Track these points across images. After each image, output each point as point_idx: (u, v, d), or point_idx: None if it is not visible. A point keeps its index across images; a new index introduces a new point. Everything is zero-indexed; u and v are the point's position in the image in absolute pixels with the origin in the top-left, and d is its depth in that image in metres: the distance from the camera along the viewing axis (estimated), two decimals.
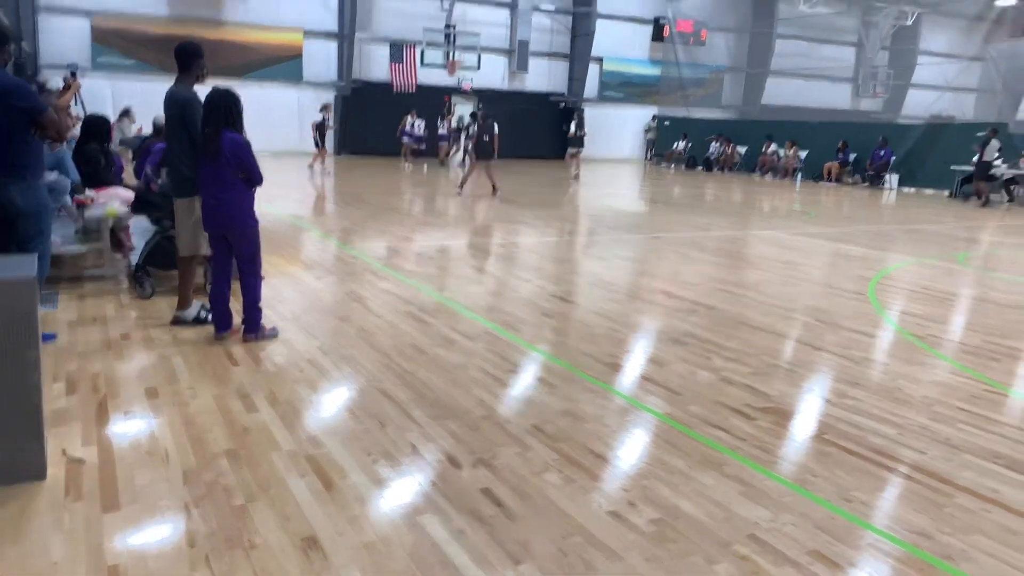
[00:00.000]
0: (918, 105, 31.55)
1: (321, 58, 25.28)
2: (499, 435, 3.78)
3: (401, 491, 3.22)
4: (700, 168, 27.05)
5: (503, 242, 10.10)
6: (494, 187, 15.37)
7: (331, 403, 4.18)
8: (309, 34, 24.92)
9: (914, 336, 6.05)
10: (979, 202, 17.79)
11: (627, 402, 4.35)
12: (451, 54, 25.14)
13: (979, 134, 18.14)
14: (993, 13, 21.74)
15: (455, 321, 5.87)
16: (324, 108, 19.81)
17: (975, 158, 17.93)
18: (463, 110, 26.56)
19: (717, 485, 3.34)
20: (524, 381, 4.66)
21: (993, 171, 18.12)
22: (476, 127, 15.84)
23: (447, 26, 25.03)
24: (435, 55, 24.89)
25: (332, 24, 25.21)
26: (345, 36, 24.98)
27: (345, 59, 25.12)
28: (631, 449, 3.74)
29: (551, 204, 14.82)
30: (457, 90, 27.36)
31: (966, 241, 11.98)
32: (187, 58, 5.14)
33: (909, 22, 30.90)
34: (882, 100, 32.39)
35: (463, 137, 23.58)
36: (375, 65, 26.26)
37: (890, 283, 8.21)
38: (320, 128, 19.36)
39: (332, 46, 25.40)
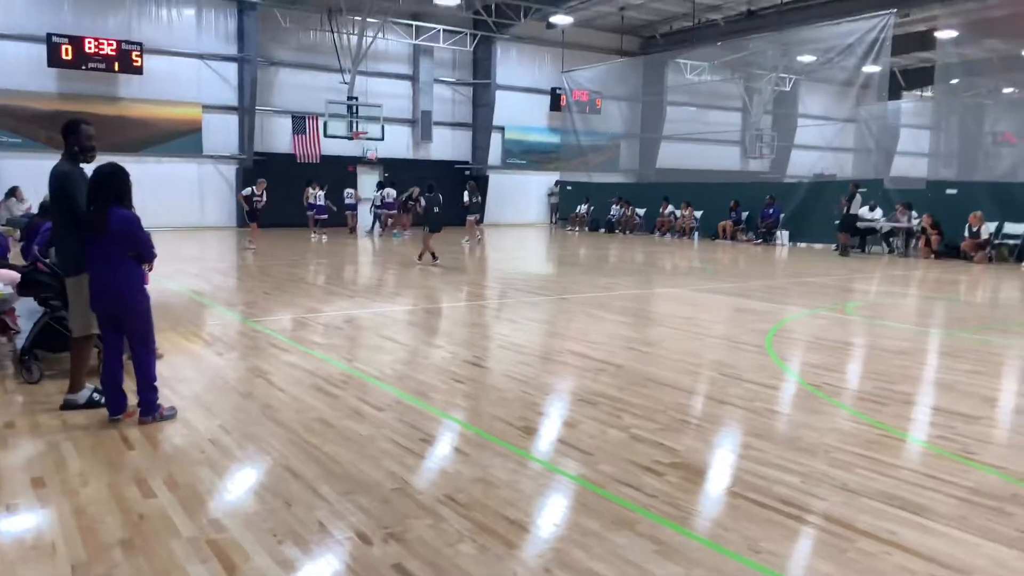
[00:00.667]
0: (802, 164, 33.48)
1: (221, 131, 24.98)
2: (411, 507, 3.69)
3: (309, 572, 3.08)
4: (602, 230, 27.80)
5: (413, 308, 10.05)
6: (433, 255, 15.12)
7: (234, 484, 4.00)
8: (208, 108, 24.63)
9: (811, 385, 6.29)
10: (837, 252, 19.13)
11: (540, 465, 4.33)
12: (354, 125, 25.27)
13: (855, 191, 19.37)
14: (860, 78, 23.47)
15: (364, 392, 5.76)
16: (257, 184, 19.06)
17: (842, 211, 19.23)
18: (369, 180, 26.65)
19: (631, 544, 3.34)
20: (436, 450, 4.59)
21: (870, 224, 19.34)
22: (425, 199, 15.66)
23: (349, 98, 25.22)
24: (338, 126, 24.96)
25: (232, 98, 25.02)
26: (246, 109, 24.80)
27: (246, 132, 24.89)
28: (545, 513, 3.71)
29: (460, 269, 14.89)
30: (362, 160, 27.45)
31: (853, 292, 12.64)
32: (64, 134, 5.07)
33: (788, 88, 33.05)
34: (769, 161, 34.26)
35: (401, 208, 23.38)
36: (277, 137, 26.12)
37: (786, 335, 8.55)
38: (249, 201, 18.59)
39: (232, 119, 25.16)
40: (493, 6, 27.35)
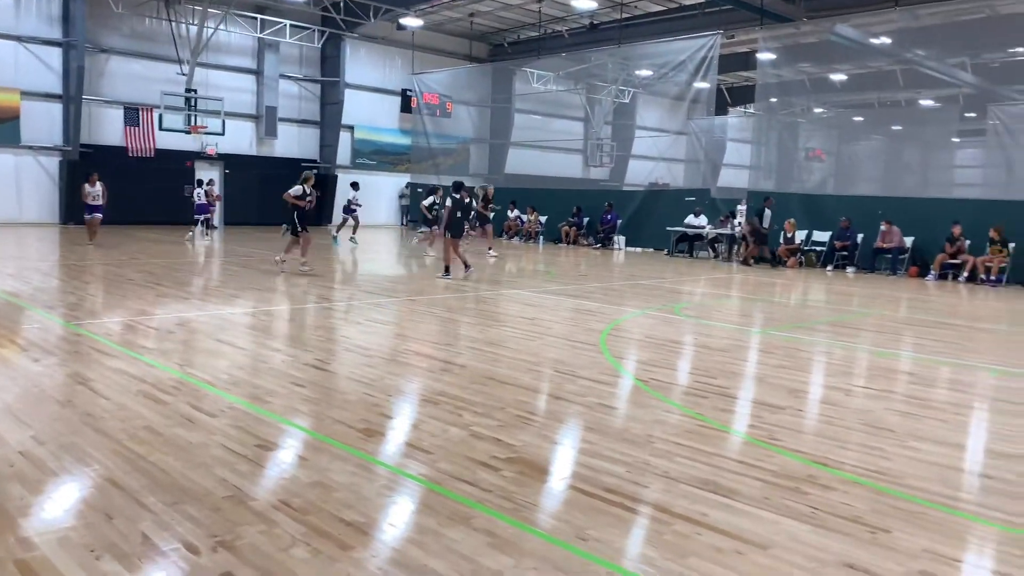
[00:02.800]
0: (639, 174, 35.18)
1: (43, 121, 23.01)
2: (243, 515, 3.58)
3: None
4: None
5: (254, 311, 9.69)
6: (466, 264, 13.74)
7: (47, 499, 3.72)
8: (28, 95, 22.62)
9: (639, 380, 6.65)
10: (741, 261, 19.29)
11: (379, 466, 4.33)
12: (193, 119, 23.98)
13: (688, 199, 20.55)
14: (691, 93, 24.99)
15: (197, 398, 5.51)
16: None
17: (751, 226, 19.45)
18: (205, 175, 25.42)
19: (465, 539, 3.41)
20: (272, 455, 4.48)
21: (696, 230, 20.59)
22: (452, 200, 13.66)
23: (187, 90, 23.92)
24: (175, 119, 23.59)
25: (55, 85, 23.10)
26: (71, 98, 22.96)
27: (72, 122, 23.05)
28: (383, 514, 3.71)
29: (309, 271, 14.48)
30: (201, 155, 26.12)
31: (681, 294, 13.44)
32: None
33: (627, 100, 34.63)
34: (609, 169, 35.72)
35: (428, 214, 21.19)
36: (107, 129, 24.37)
37: (620, 334, 8.97)
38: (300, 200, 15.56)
39: (56, 108, 23.23)
40: (342, 4, 26.86)
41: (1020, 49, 23.26)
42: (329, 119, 29.27)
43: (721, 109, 31.44)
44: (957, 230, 16.72)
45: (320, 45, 28.32)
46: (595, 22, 28.78)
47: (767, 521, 3.72)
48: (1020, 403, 6.50)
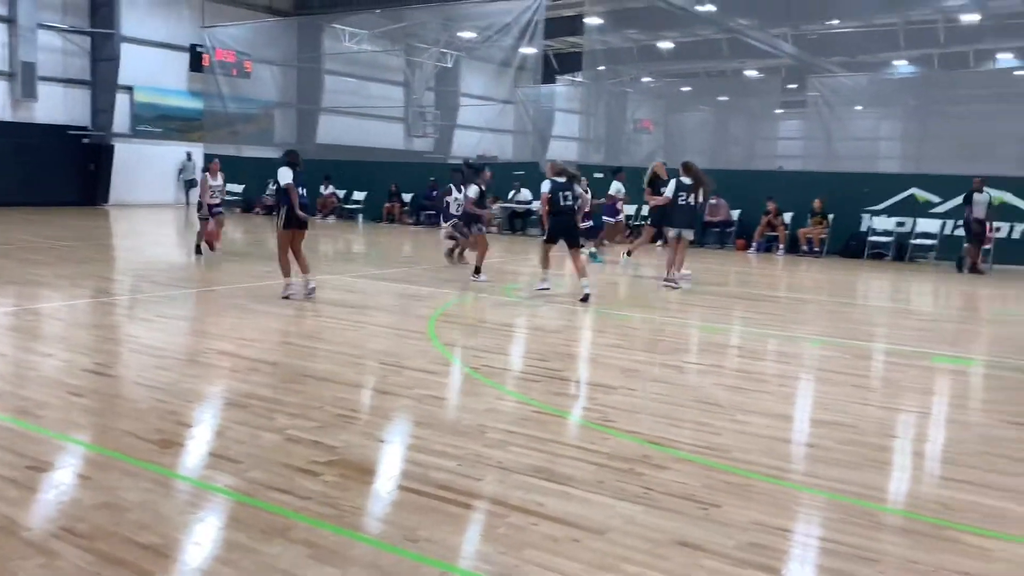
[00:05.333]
0: (465, 145, 35.50)
1: None
2: (16, 548, 3.35)
3: None
4: (258, 212, 26.96)
5: (15, 310, 8.93)
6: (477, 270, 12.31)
7: None
8: None
9: (470, 368, 6.81)
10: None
11: (178, 480, 4.18)
12: None
13: (516, 172, 21.05)
14: (517, 59, 25.53)
15: None
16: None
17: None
18: None
19: (284, 553, 3.39)
20: (48, 477, 4.19)
21: (526, 206, 21.14)
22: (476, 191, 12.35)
23: None
24: None
25: None
26: None
27: None
28: (186, 533, 3.60)
29: (81, 260, 13.49)
30: None
31: (515, 274, 13.80)
32: None
33: (449, 64, 34.75)
34: (433, 140, 35.78)
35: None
36: None
37: (449, 319, 9.11)
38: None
39: None
40: None
41: (836, 21, 25.69)
42: (102, 78, 27.12)
43: (549, 77, 32.30)
44: (772, 207, 18.24)
45: None
46: None
47: (602, 505, 3.96)
48: (839, 372, 7.27)
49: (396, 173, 25.30)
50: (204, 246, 14.02)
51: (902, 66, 27.02)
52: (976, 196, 15.56)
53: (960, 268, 15.94)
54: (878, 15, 24.32)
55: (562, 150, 30.20)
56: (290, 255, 9.88)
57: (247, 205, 27.43)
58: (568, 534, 3.64)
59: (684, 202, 11.92)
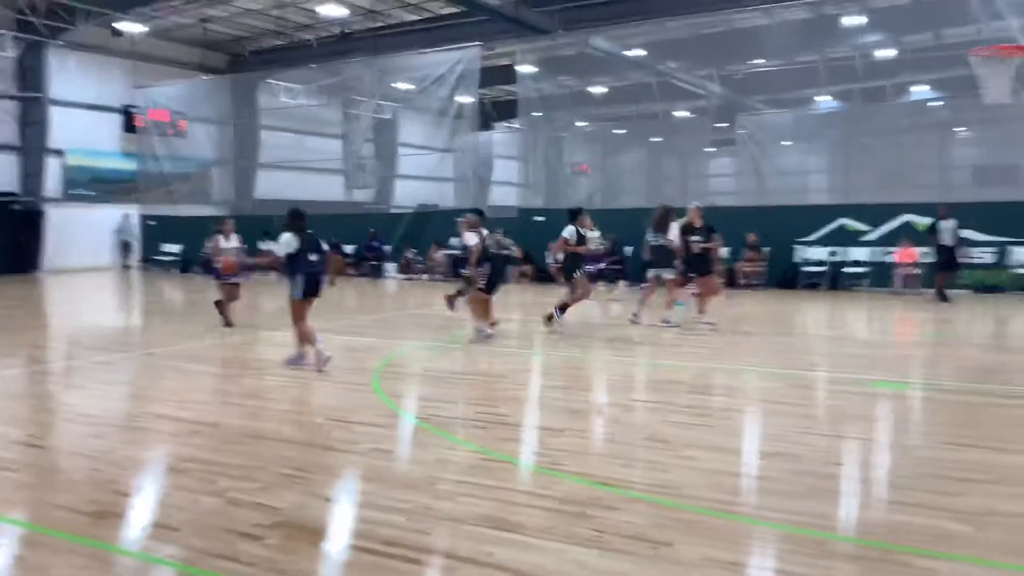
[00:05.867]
0: (407, 195, 35.57)
1: None
2: None
3: None
4: (197, 270, 26.48)
5: None
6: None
7: None
8: None
9: (418, 419, 6.71)
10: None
11: (115, 553, 4.00)
12: None
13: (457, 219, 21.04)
14: (454, 108, 25.78)
15: None
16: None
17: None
18: None
19: None
20: None
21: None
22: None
23: None
24: None
25: None
26: None
27: None
28: None
29: (12, 328, 13.05)
30: None
31: (460, 321, 13.73)
32: None
33: (388, 116, 34.90)
34: (374, 191, 35.74)
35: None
36: None
37: (395, 369, 9.00)
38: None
39: None
40: (43, 6, 24.62)
41: (760, 60, 26.56)
42: (31, 143, 26.56)
43: (486, 124, 32.67)
44: (753, 238, 18.42)
45: (17, 55, 25.74)
46: (346, 31, 28.80)
47: (553, 551, 3.91)
48: (783, 402, 7.35)
49: (337, 225, 25.15)
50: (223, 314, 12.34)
51: (825, 101, 27.98)
52: (942, 224, 15.59)
53: (944, 298, 15.58)
54: (800, 53, 25.23)
55: (503, 196, 30.44)
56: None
57: (184, 265, 26.94)
58: None
59: (658, 243, 12.13)
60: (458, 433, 6.25)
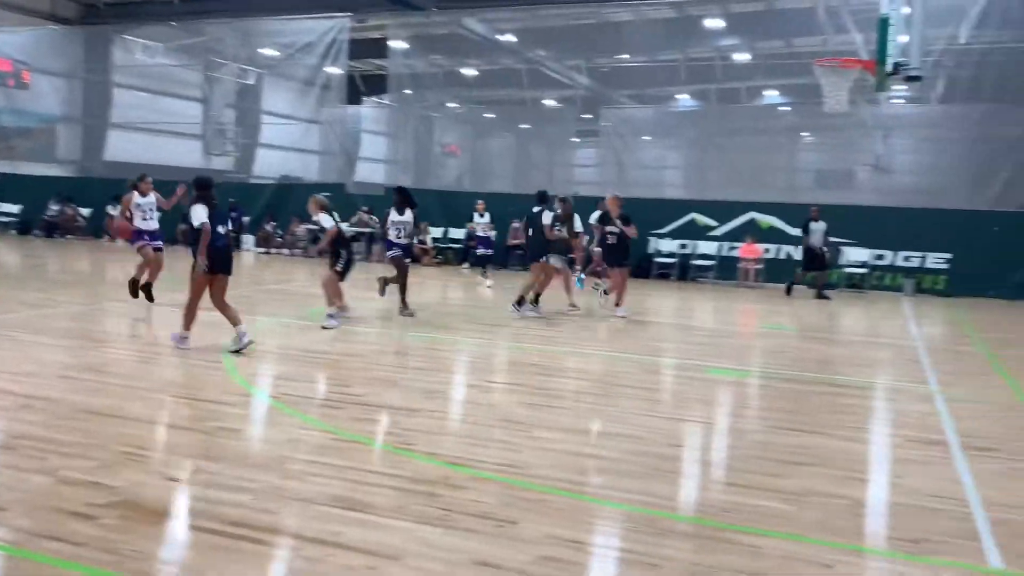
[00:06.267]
0: (270, 165, 34.36)
1: None
2: None
3: None
4: (36, 234, 24.72)
5: None
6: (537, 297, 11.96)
7: None
8: None
9: (270, 397, 6.57)
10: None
11: None
12: None
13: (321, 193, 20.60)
14: (322, 79, 25.11)
15: None
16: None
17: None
18: None
19: None
20: None
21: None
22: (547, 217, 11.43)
23: None
24: None
25: None
26: None
27: None
28: None
29: None
30: None
31: (318, 298, 13.45)
32: None
33: (251, 81, 33.56)
34: (234, 159, 34.32)
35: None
36: None
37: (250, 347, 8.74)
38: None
39: None
40: None
41: (626, 56, 27.24)
42: None
43: (355, 98, 32.00)
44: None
45: None
46: None
47: (401, 530, 3.94)
48: (630, 386, 7.66)
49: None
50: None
51: (684, 100, 29.03)
52: (813, 225, 16.17)
53: (789, 292, 16.36)
54: (662, 51, 26.05)
55: (370, 172, 29.93)
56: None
57: (23, 227, 25.09)
58: (365, 562, 3.59)
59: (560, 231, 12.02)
60: (310, 413, 6.16)
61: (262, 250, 22.57)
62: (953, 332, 12.93)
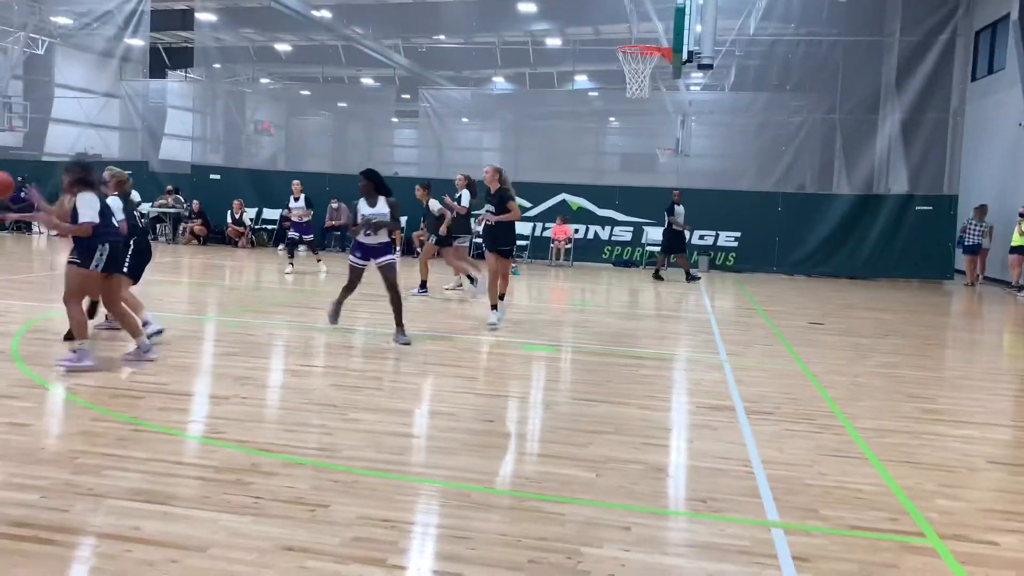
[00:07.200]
0: (63, 141, 31.61)
1: None
2: None
3: None
4: None
5: None
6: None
7: None
8: None
9: (63, 389, 6.10)
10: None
11: None
12: None
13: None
14: (121, 50, 23.36)
15: None
16: None
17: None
18: None
19: None
20: None
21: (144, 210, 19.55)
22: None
23: None
24: None
25: None
26: None
27: None
28: None
29: None
30: None
31: None
32: None
33: (41, 51, 30.68)
34: (22, 135, 31.32)
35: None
36: None
37: (39, 335, 8.07)
38: None
39: None
40: None
41: (442, 36, 27.25)
42: None
43: (160, 72, 30.04)
44: None
45: None
46: None
47: (206, 521, 3.79)
48: (445, 364, 7.74)
49: None
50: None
51: (500, 83, 29.44)
52: (677, 208, 16.58)
53: (658, 276, 16.72)
54: (478, 34, 26.28)
55: (177, 149, 28.25)
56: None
57: None
58: (166, 555, 3.43)
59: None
60: (107, 404, 5.78)
61: (55, 233, 20.78)
62: (741, 305, 13.98)
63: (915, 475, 4.92)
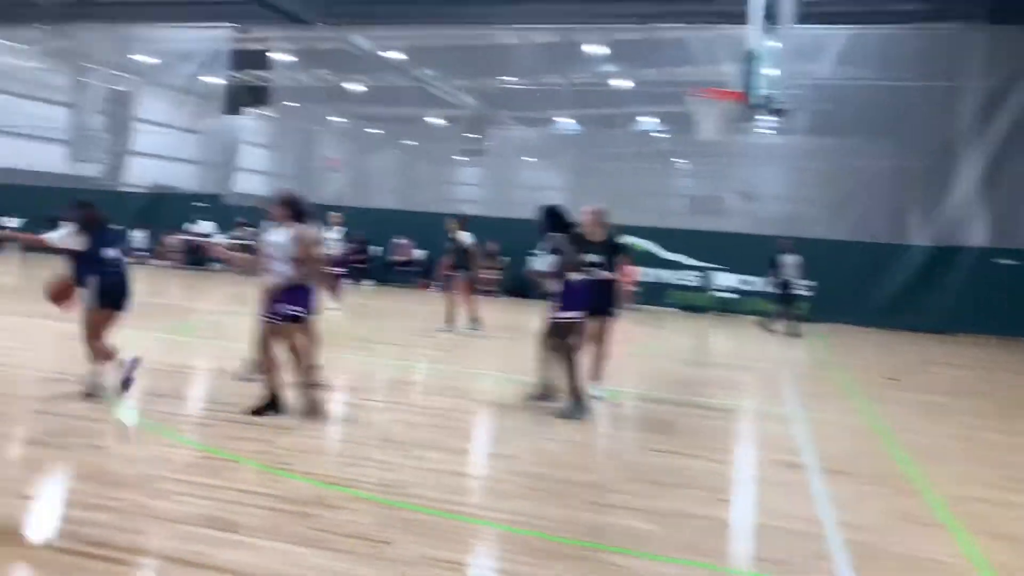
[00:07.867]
0: (142, 174, 32.87)
1: None
2: None
3: None
4: None
5: None
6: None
7: None
8: None
9: (139, 414, 6.28)
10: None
11: None
12: None
13: (196, 204, 19.94)
14: (201, 88, 24.29)
15: None
16: None
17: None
18: None
19: None
20: None
21: (205, 239, 20.15)
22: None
23: None
24: None
25: None
26: None
27: None
28: None
29: None
30: None
31: (194, 312, 13.01)
32: None
33: (125, 88, 32.09)
34: (103, 167, 32.68)
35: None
36: None
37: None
38: None
39: None
40: None
41: (510, 78, 27.67)
42: None
43: (235, 109, 31.15)
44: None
45: None
46: None
47: (271, 551, 3.86)
48: (508, 405, 7.72)
49: (59, 200, 22.75)
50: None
51: (565, 123, 29.68)
52: (787, 258, 15.17)
53: (771, 329, 15.45)
54: (546, 75, 26.58)
55: (251, 183, 29.16)
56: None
57: None
58: None
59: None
60: (180, 430, 5.94)
61: (131, 261, 21.55)
62: (814, 357, 13.66)
63: (999, 548, 4.70)
